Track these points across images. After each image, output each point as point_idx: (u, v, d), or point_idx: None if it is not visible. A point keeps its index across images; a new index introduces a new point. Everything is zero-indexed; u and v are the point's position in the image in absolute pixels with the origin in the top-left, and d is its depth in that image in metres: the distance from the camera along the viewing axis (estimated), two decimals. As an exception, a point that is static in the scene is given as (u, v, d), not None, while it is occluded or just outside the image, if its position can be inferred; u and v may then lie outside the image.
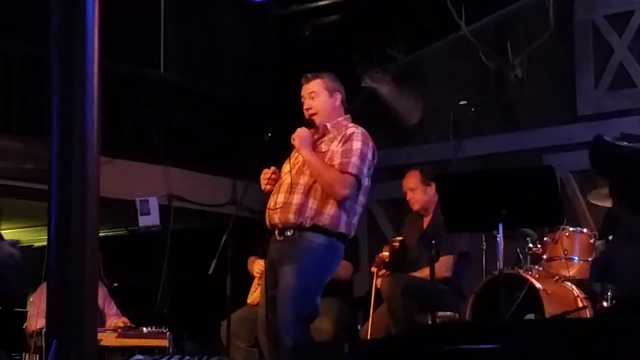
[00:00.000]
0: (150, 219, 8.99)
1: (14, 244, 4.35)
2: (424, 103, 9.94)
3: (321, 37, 10.32)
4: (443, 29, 9.60)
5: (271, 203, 5.44)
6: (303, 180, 5.38)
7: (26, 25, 8.79)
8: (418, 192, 6.80)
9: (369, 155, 5.41)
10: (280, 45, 10.79)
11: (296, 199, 5.33)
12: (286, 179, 5.44)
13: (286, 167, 5.51)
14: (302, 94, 5.58)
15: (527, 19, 9.39)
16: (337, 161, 5.34)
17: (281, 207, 5.35)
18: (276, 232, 5.41)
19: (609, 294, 6.12)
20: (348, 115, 5.60)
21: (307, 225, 5.29)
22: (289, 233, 5.34)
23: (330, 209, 5.31)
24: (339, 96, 5.57)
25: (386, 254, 6.78)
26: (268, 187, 5.50)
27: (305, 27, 10.54)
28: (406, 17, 9.61)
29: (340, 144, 5.40)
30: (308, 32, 10.51)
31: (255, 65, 10.89)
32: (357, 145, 5.37)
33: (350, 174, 5.31)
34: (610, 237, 6.31)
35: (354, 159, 5.33)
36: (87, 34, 4.72)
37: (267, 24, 10.92)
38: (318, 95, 5.52)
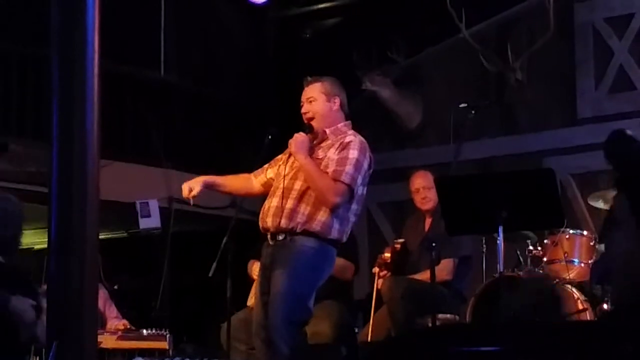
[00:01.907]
0: (150, 222, 8.98)
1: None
2: (424, 106, 9.95)
3: (321, 40, 10.32)
4: (443, 32, 9.61)
5: (265, 207, 5.44)
6: (297, 185, 5.37)
7: (26, 27, 8.79)
8: (433, 190, 6.71)
9: (365, 165, 5.38)
10: (281, 47, 10.79)
11: (289, 204, 5.32)
12: (280, 183, 5.43)
13: (277, 169, 5.51)
14: (302, 97, 5.56)
15: (528, 22, 9.40)
16: (331, 169, 5.32)
17: (274, 211, 5.35)
18: (268, 236, 5.41)
19: (609, 296, 6.13)
20: (349, 122, 5.57)
21: (298, 231, 5.29)
22: (280, 237, 5.34)
23: (322, 216, 5.30)
24: (337, 101, 5.53)
25: (388, 255, 6.78)
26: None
27: (305, 29, 10.54)
28: (406, 20, 9.61)
29: (337, 152, 5.37)
30: (308, 34, 10.51)
31: (256, 67, 10.88)
32: (353, 154, 5.34)
33: (343, 182, 5.28)
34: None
35: (348, 168, 5.30)
36: (87, 36, 4.71)
37: (268, 27, 10.91)
38: (316, 100, 5.49)
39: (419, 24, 9.70)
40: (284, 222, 5.30)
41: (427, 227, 6.89)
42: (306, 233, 5.28)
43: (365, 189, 5.46)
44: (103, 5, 4.71)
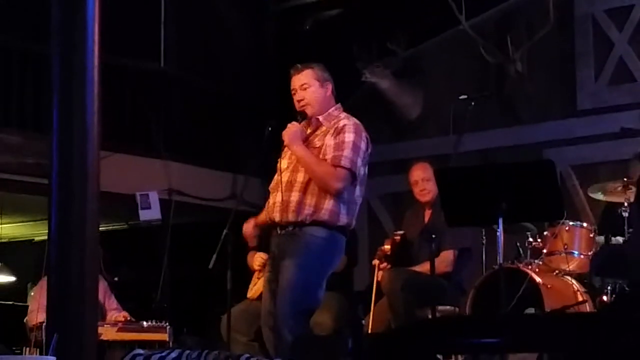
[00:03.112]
0: (150, 213, 9.00)
1: None
2: (424, 97, 9.95)
3: (321, 31, 10.31)
4: (443, 23, 9.61)
5: (270, 201, 5.44)
6: (300, 177, 5.36)
7: (26, 19, 8.79)
8: (432, 182, 6.71)
9: (362, 147, 5.37)
10: (281, 39, 10.78)
11: (294, 196, 5.31)
12: (283, 176, 5.42)
13: (282, 164, 5.50)
14: (292, 86, 5.52)
15: (527, 14, 9.40)
16: (329, 155, 5.31)
17: (280, 206, 5.34)
18: (277, 227, 5.41)
19: (609, 287, 6.13)
20: (339, 105, 5.55)
21: (307, 222, 5.29)
22: (289, 228, 5.34)
23: (329, 204, 5.30)
24: (329, 86, 5.52)
25: (388, 247, 6.78)
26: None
27: (305, 21, 10.54)
28: (406, 12, 9.61)
29: (333, 137, 5.36)
30: (308, 26, 10.51)
31: (256, 59, 10.88)
32: (349, 137, 5.33)
33: (343, 167, 5.27)
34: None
35: (346, 152, 5.29)
36: (87, 28, 4.72)
37: (267, 18, 10.91)
38: (310, 86, 5.48)
39: (419, 16, 9.69)
40: (292, 216, 5.30)
41: (426, 218, 6.88)
42: (315, 223, 5.29)
43: (366, 168, 5.45)
44: (103, -3, 4.71)
